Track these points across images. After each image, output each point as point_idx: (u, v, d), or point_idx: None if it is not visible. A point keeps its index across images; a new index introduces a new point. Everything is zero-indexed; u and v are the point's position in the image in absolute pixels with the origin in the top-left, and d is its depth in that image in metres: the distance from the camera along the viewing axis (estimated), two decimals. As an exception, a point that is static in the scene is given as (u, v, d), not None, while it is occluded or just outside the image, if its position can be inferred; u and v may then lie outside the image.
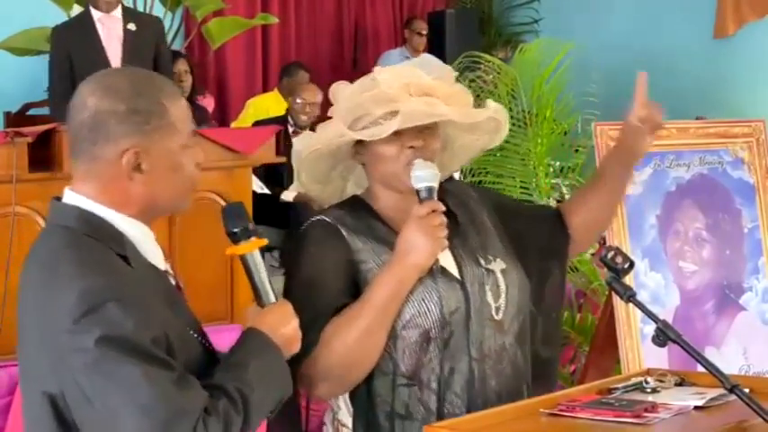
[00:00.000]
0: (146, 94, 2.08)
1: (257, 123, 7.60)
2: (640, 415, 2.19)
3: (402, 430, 2.44)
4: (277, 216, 6.81)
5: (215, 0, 7.71)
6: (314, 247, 2.49)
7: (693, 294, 4.14)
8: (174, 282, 2.20)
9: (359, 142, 2.50)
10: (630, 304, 2.35)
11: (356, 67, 10.25)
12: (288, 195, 7.04)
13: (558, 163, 5.83)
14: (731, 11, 9.43)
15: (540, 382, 2.56)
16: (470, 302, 2.45)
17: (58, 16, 6.68)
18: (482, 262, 2.51)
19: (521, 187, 5.56)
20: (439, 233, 2.39)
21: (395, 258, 2.40)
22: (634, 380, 2.44)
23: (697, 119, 7.90)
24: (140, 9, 7.48)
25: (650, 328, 2.31)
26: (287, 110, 7.73)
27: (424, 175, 2.43)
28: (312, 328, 2.35)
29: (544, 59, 5.79)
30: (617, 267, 2.36)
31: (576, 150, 5.86)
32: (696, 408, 2.27)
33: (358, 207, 2.55)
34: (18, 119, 7.02)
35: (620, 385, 2.41)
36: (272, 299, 2.23)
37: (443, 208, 2.42)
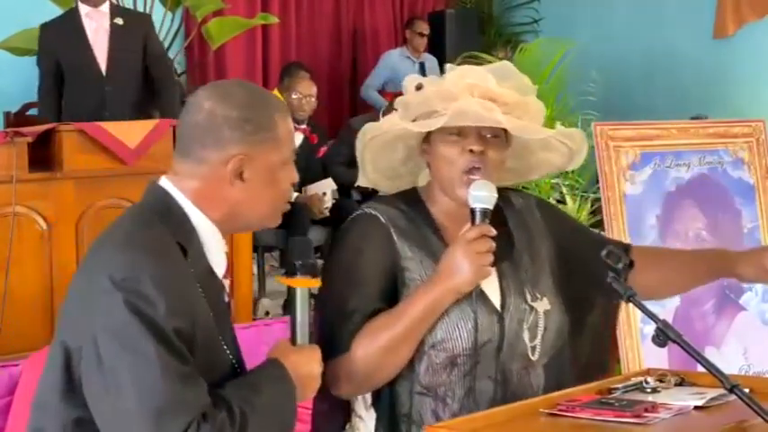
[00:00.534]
0: (260, 106, 2.17)
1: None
2: (640, 415, 2.19)
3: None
4: (277, 216, 6.81)
5: (215, 0, 7.71)
6: (361, 242, 2.44)
7: (693, 294, 4.14)
8: (227, 299, 2.23)
9: (426, 140, 2.47)
10: (630, 304, 2.35)
11: (356, 68, 10.26)
12: (288, 195, 7.05)
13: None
14: (731, 11, 9.42)
15: None
16: (505, 338, 2.42)
17: (58, 16, 6.68)
18: (528, 297, 2.46)
19: (521, 187, 5.55)
20: (484, 261, 2.33)
21: (435, 277, 2.36)
22: (634, 380, 2.44)
23: (693, 118, 7.92)
24: (140, 9, 7.49)
25: (650, 328, 2.31)
26: (286, 109, 7.73)
27: (482, 197, 2.37)
28: (342, 329, 2.36)
29: (544, 59, 5.79)
30: (617, 267, 2.36)
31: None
32: (696, 408, 2.27)
33: (415, 207, 2.49)
34: (18, 119, 7.02)
35: (620, 385, 2.41)
36: (306, 341, 2.24)
37: (494, 233, 2.36)
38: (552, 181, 5.68)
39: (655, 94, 9.53)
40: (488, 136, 2.42)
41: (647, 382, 2.41)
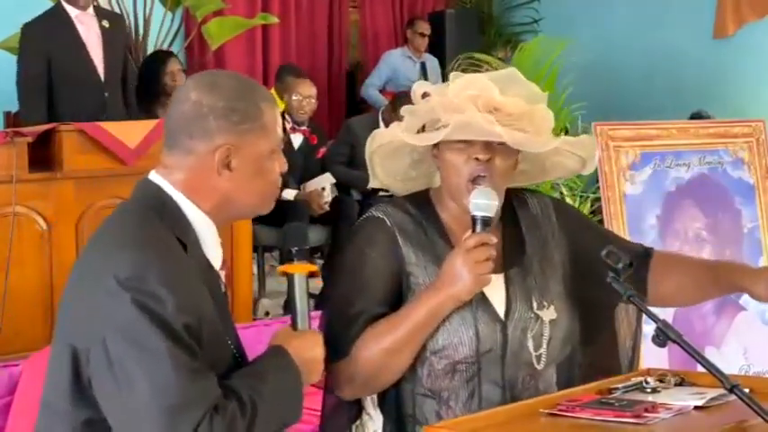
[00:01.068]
0: (246, 95, 2.18)
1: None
2: (640, 415, 2.19)
3: None
4: (277, 215, 6.80)
5: (215, 0, 7.71)
6: (367, 247, 2.45)
7: (693, 294, 4.14)
8: (223, 288, 2.23)
9: (435, 145, 2.46)
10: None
11: (356, 68, 10.26)
12: (288, 194, 7.04)
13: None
14: (731, 11, 9.43)
15: None
16: (508, 346, 2.42)
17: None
18: (534, 305, 2.45)
19: (521, 188, 5.54)
20: (482, 269, 2.33)
21: (435, 284, 2.37)
22: (634, 380, 2.44)
23: (693, 114, 7.92)
24: (140, 10, 7.49)
25: (650, 328, 2.31)
26: (283, 110, 7.72)
27: (482, 205, 2.37)
28: (345, 332, 2.37)
29: (543, 57, 5.79)
30: (617, 267, 2.36)
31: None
32: (696, 408, 2.27)
33: (424, 211, 2.49)
34: (18, 119, 7.01)
35: (620, 385, 2.41)
36: (307, 326, 2.25)
37: (494, 241, 2.36)
38: (552, 181, 5.68)
39: (655, 93, 9.53)
40: (495, 143, 2.41)
41: (647, 383, 2.41)
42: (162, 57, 7.01)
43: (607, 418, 2.19)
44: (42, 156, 5.03)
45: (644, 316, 2.56)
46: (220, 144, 2.13)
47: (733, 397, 2.17)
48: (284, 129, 7.22)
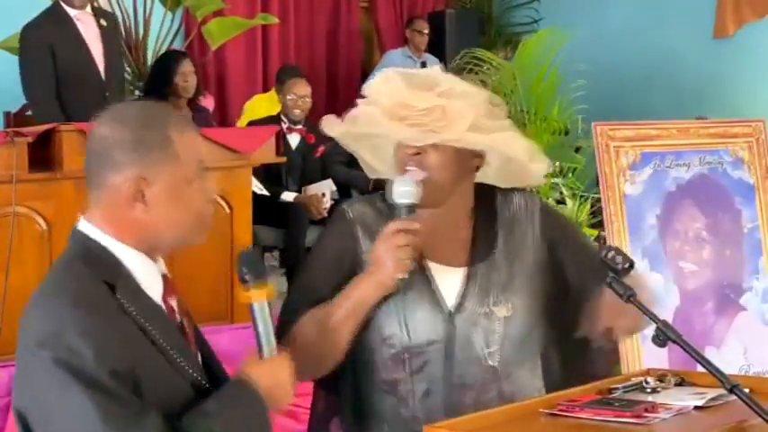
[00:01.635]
0: (152, 125, 2.13)
1: (251, 124, 7.60)
2: (640, 415, 2.19)
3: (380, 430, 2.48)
4: (277, 216, 6.81)
5: (215, 0, 7.71)
6: (324, 234, 2.59)
7: (693, 294, 4.15)
8: (178, 318, 2.19)
9: None
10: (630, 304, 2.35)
11: (355, 68, 10.25)
12: (288, 195, 7.05)
13: (558, 163, 5.83)
14: (731, 11, 9.42)
15: None
16: (455, 340, 2.44)
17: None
18: (489, 301, 2.47)
19: (521, 188, 5.54)
20: (402, 254, 2.37)
21: (365, 271, 2.43)
22: (634, 380, 2.44)
23: (698, 119, 7.92)
24: (140, 10, 7.49)
25: (650, 329, 2.31)
26: (279, 110, 7.73)
27: (403, 192, 2.41)
28: (290, 313, 2.46)
29: (543, 55, 5.78)
30: (617, 267, 2.36)
31: (577, 150, 5.86)
32: (696, 408, 2.27)
33: (391, 206, 2.50)
34: (18, 119, 7.01)
35: (619, 385, 2.41)
36: (273, 350, 2.22)
37: (415, 227, 2.39)
38: (552, 181, 5.69)
39: (654, 94, 9.53)
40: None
41: (647, 383, 2.42)
42: (175, 57, 6.99)
43: (607, 419, 2.19)
44: (42, 156, 5.02)
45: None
46: (129, 176, 2.09)
47: (732, 397, 2.17)
48: (281, 130, 7.26)
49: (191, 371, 2.12)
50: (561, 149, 5.84)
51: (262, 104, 8.39)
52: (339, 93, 10.10)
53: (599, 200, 4.29)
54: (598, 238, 5.39)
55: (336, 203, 7.11)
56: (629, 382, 2.43)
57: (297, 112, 7.28)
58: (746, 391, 2.18)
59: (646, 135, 4.21)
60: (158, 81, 6.79)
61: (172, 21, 7.71)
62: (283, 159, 6.37)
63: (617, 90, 9.22)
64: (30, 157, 4.91)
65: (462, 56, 5.99)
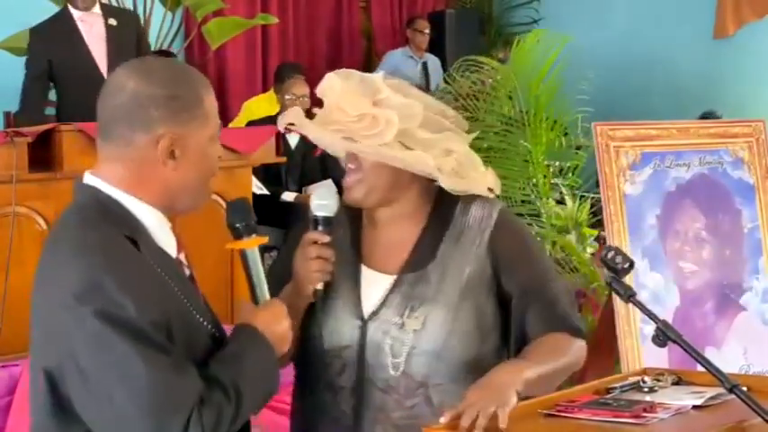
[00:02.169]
0: (185, 82, 2.12)
1: (250, 124, 7.60)
2: (639, 415, 2.19)
3: (324, 427, 2.49)
4: (277, 216, 6.81)
5: (215, 0, 7.72)
6: (292, 233, 2.59)
7: (693, 294, 4.15)
8: (187, 272, 2.21)
9: None
10: (630, 304, 2.35)
11: (356, 68, 10.25)
12: (288, 195, 7.05)
13: (557, 163, 5.82)
14: (731, 11, 9.43)
15: None
16: (366, 347, 2.44)
17: (58, 16, 6.65)
18: (405, 312, 2.44)
19: (521, 188, 5.55)
20: (311, 267, 2.41)
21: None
22: (631, 379, 2.44)
23: (703, 115, 7.91)
24: (140, 10, 7.48)
25: (650, 329, 2.31)
26: (278, 110, 7.73)
27: (318, 205, 2.46)
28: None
29: (542, 55, 5.76)
30: (617, 267, 2.35)
31: (577, 150, 5.85)
32: (695, 407, 2.27)
33: (357, 212, 2.53)
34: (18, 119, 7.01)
35: (617, 385, 2.41)
36: (267, 297, 2.26)
37: (326, 240, 2.42)
38: (552, 181, 5.68)
39: (655, 93, 9.53)
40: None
41: (644, 382, 2.41)
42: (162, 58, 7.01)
43: (606, 419, 2.19)
44: (42, 156, 5.03)
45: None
46: (162, 134, 2.07)
47: (731, 396, 2.17)
48: (280, 130, 7.26)
49: (204, 321, 2.14)
50: (561, 149, 5.83)
51: (261, 104, 8.40)
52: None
53: (599, 200, 4.28)
54: (598, 238, 5.38)
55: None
56: (627, 382, 2.43)
57: (296, 111, 7.27)
58: (745, 389, 2.18)
59: (646, 135, 4.20)
60: None
61: (172, 21, 7.72)
62: (283, 159, 6.37)
63: (617, 90, 9.22)
64: (30, 157, 4.91)
65: (460, 64, 5.98)
